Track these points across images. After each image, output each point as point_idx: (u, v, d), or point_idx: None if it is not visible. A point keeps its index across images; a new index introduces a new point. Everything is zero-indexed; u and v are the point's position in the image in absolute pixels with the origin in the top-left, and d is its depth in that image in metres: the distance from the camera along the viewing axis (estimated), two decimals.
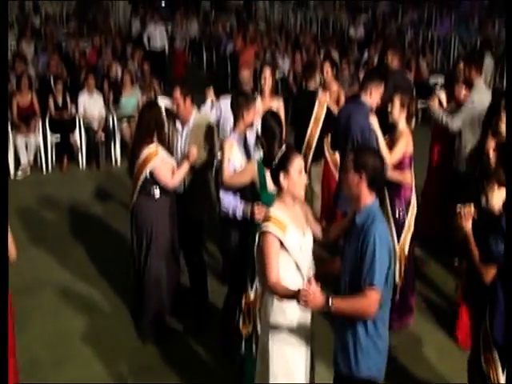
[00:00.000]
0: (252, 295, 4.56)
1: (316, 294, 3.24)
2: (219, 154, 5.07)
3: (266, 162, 4.58)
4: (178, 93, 5.32)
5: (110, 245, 7.18)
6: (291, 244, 3.60)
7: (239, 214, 4.78)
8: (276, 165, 3.68)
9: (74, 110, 10.05)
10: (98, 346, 5.36)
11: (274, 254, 3.56)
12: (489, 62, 11.49)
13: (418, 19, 18.64)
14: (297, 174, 3.63)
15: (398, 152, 5.43)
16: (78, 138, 9.96)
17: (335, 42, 15.82)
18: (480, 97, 6.47)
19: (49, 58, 11.80)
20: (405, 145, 5.47)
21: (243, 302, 4.62)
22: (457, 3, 20.10)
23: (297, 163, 3.64)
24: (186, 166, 5.22)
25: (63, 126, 9.90)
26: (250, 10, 23.63)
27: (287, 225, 3.60)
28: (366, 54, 14.20)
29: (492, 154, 5.43)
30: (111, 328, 5.65)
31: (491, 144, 5.47)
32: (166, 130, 5.35)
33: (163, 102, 10.51)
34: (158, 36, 15.07)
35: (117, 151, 10.18)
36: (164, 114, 5.29)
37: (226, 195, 4.87)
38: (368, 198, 3.46)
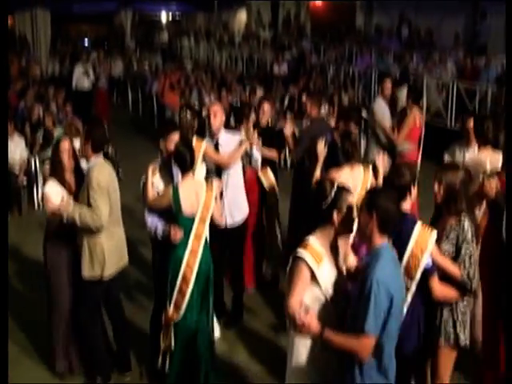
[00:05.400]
0: (170, 310, 4.91)
1: (311, 323, 3.31)
2: (143, 177, 5.25)
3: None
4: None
5: (34, 288, 6.93)
6: (323, 278, 3.55)
7: (159, 233, 5.10)
8: (329, 203, 3.62)
9: None
10: None
11: (301, 282, 3.53)
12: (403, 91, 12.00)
13: (340, 55, 19.15)
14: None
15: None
16: None
17: (260, 79, 16.07)
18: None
19: None
20: None
21: (163, 317, 4.96)
22: (376, 39, 20.83)
23: (350, 201, 3.63)
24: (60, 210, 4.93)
25: None
26: (176, 48, 23.78)
27: (323, 257, 3.57)
28: (290, 91, 14.47)
29: None
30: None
31: None
32: (65, 165, 5.16)
33: None
34: (85, 76, 14.90)
35: (39, 195, 9.90)
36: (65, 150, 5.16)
37: (150, 216, 5.17)
38: (378, 239, 3.41)
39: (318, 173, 5.85)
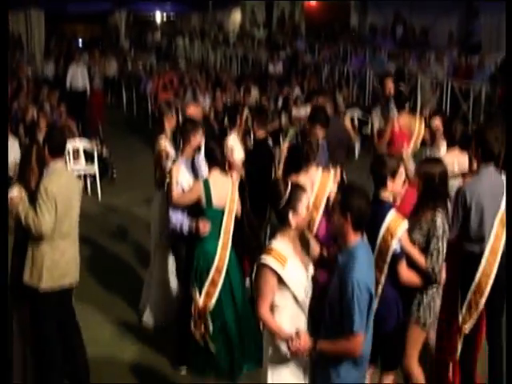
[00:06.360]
0: (201, 301, 5.08)
1: (305, 344, 3.43)
2: (168, 176, 5.45)
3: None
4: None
5: None
6: (290, 279, 3.61)
7: (186, 229, 5.25)
8: (284, 204, 3.66)
9: None
10: None
11: (268, 289, 3.60)
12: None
13: (334, 55, 19.16)
14: (304, 211, 3.69)
15: None
16: None
17: (255, 78, 16.05)
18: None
19: None
20: None
21: (193, 307, 5.11)
22: (370, 38, 20.84)
23: (305, 200, 3.68)
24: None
25: None
26: (170, 48, 23.74)
27: (288, 258, 3.62)
28: (285, 90, 14.46)
29: None
30: None
31: None
32: (34, 170, 4.88)
33: (81, 144, 10.43)
34: (79, 76, 14.88)
35: None
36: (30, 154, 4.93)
37: (175, 213, 5.32)
38: (352, 239, 3.51)
39: (279, 173, 5.87)
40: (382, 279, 4.09)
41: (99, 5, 24.44)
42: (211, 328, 5.12)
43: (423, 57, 16.39)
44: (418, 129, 7.52)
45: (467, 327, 4.68)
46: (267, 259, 3.59)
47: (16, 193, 4.77)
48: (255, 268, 3.74)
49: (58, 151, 4.87)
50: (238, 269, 5.36)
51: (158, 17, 29.92)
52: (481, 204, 4.55)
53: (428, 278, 4.23)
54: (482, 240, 4.60)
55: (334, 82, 16.09)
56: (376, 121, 7.94)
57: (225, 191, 5.19)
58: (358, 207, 3.45)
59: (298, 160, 5.33)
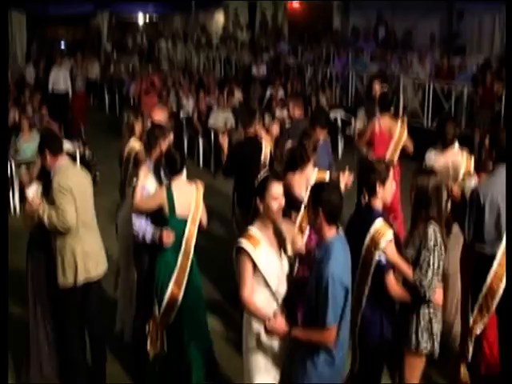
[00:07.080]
0: (159, 316, 4.91)
1: (281, 327, 3.56)
2: (134, 180, 5.25)
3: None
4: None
5: None
6: (261, 261, 3.71)
7: (148, 237, 4.98)
8: (254, 189, 3.81)
9: None
10: None
11: (246, 271, 3.71)
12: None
13: (317, 57, 19.20)
14: (272, 200, 3.74)
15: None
16: None
17: (238, 80, 16.08)
18: None
19: None
20: None
21: (151, 322, 4.93)
22: (353, 40, 20.90)
23: (274, 190, 3.75)
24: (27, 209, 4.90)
25: None
26: (153, 50, 23.67)
27: (260, 242, 3.73)
28: (268, 92, 14.50)
29: None
30: None
31: None
32: None
33: (64, 146, 10.35)
34: (61, 79, 14.80)
35: (15, 199, 9.77)
36: None
37: (138, 219, 5.05)
38: (327, 233, 3.55)
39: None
40: (366, 290, 4.00)
41: (81, 7, 24.26)
42: (165, 346, 4.96)
43: (405, 58, 16.47)
44: (399, 133, 7.51)
45: (478, 328, 4.59)
46: (241, 241, 3.74)
47: (33, 194, 4.85)
48: (234, 251, 3.84)
49: (58, 150, 4.98)
50: (200, 285, 5.22)
51: (141, 19, 29.76)
52: (496, 204, 4.43)
53: (416, 292, 3.98)
54: (497, 241, 4.47)
55: (317, 83, 16.12)
56: (359, 121, 8.01)
57: (188, 200, 5.01)
58: (327, 201, 3.51)
59: (295, 160, 5.40)
